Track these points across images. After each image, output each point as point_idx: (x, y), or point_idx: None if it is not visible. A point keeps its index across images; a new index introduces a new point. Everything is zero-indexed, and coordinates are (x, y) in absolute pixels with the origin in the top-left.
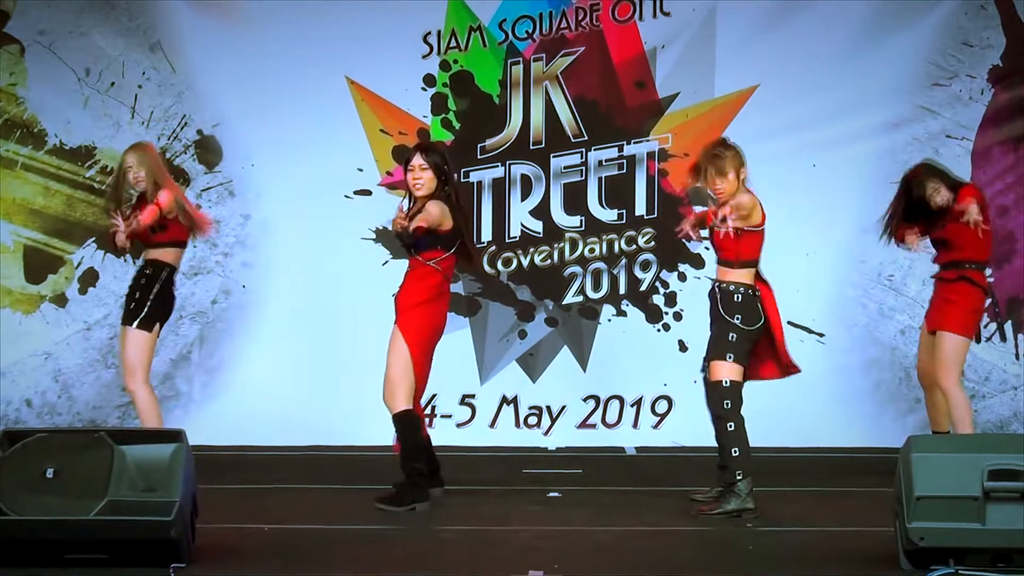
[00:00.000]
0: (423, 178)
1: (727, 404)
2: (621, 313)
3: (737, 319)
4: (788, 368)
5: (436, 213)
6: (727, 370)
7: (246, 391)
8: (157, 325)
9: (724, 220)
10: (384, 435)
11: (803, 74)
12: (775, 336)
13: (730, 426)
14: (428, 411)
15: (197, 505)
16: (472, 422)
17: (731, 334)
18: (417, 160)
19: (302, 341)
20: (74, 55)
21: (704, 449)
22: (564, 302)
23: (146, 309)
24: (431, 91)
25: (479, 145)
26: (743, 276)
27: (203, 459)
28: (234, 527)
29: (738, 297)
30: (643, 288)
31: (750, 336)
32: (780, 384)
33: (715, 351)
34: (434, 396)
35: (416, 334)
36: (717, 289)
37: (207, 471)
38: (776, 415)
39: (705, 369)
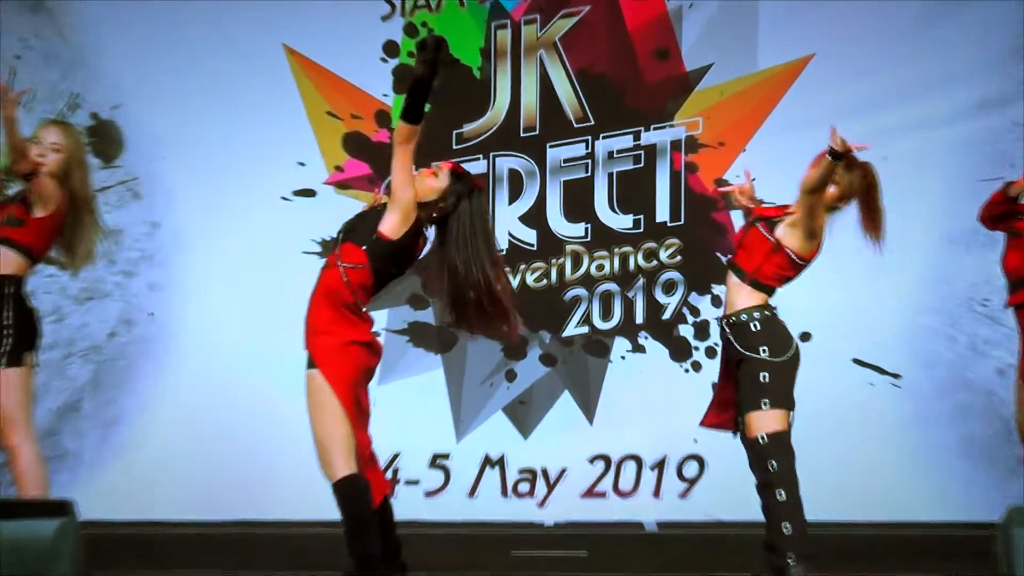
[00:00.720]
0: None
1: (772, 465)
2: (638, 348)
3: (764, 351)
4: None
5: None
6: (766, 420)
7: (152, 451)
8: (28, 355)
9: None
10: (329, 507)
11: (870, 41)
12: None
13: (780, 494)
14: (389, 475)
15: None
16: (446, 490)
17: (761, 374)
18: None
19: (225, 386)
20: None
21: (746, 525)
22: (565, 334)
23: (10, 339)
24: (393, 62)
25: (455, 132)
26: (753, 298)
27: (97, 538)
28: None
29: (755, 325)
30: (667, 316)
31: (786, 368)
32: (844, 441)
33: (746, 401)
34: (396, 456)
35: (338, 366)
36: (726, 326)
37: (102, 553)
38: (839, 481)
39: (741, 426)
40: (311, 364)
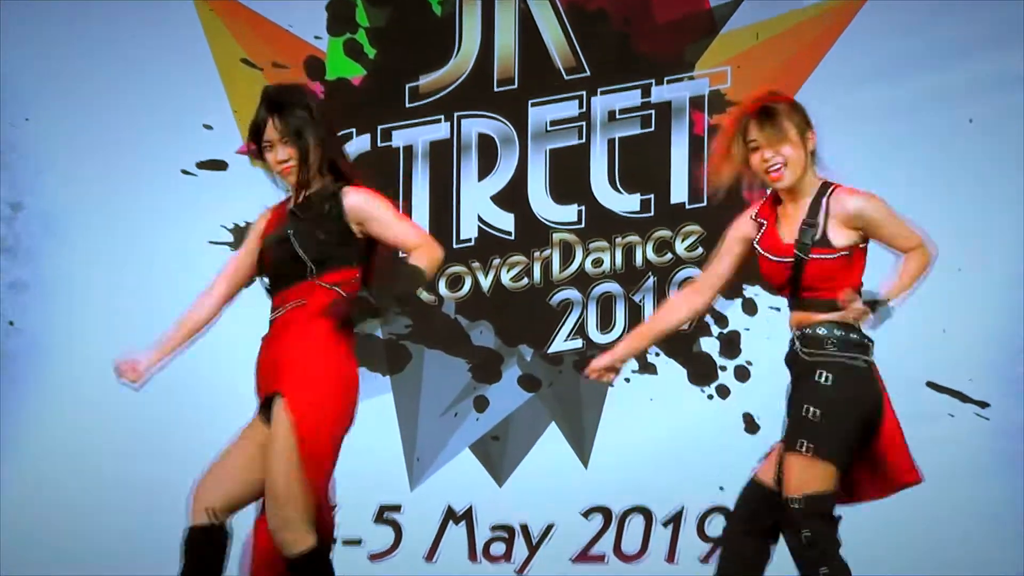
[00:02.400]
0: (292, 157)
1: (807, 536)
2: (647, 368)
3: (828, 380)
4: (902, 476)
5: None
6: (810, 475)
7: (19, 500)
8: None
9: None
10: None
11: None
12: (883, 427)
13: (823, 572)
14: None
15: None
16: (396, 552)
17: (812, 409)
18: (271, 129)
19: (107, 415)
20: None
21: None
22: (551, 350)
23: None
24: None
25: (408, 85)
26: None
27: None
28: None
29: (833, 345)
30: (685, 326)
31: (855, 416)
32: (919, 488)
33: (790, 436)
34: (333, 509)
35: (321, 412)
36: (799, 339)
37: None
38: (907, 534)
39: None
40: (275, 388)
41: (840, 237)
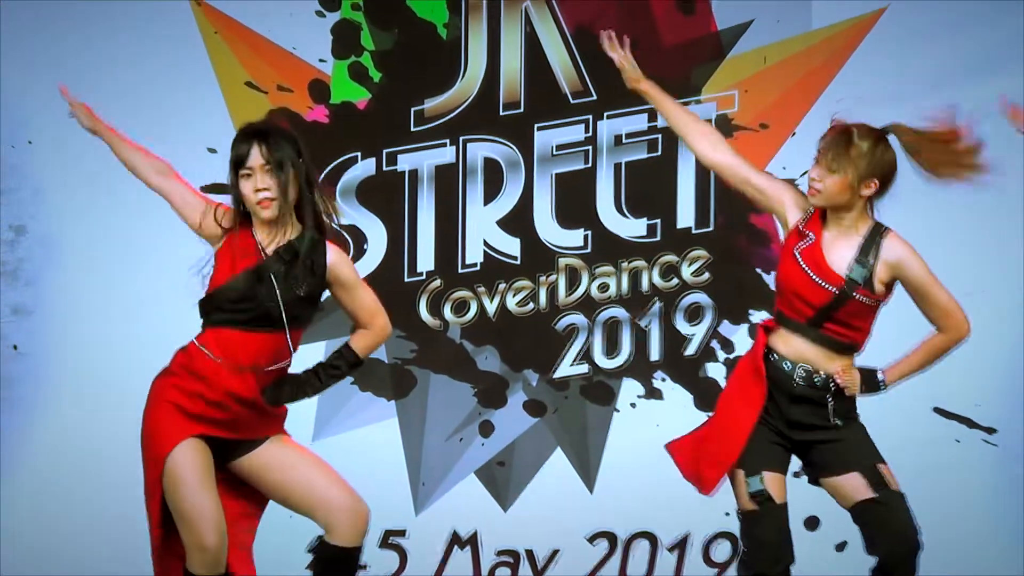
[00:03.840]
0: (271, 188)
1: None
2: (653, 393)
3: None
4: None
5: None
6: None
7: (17, 516)
8: None
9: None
10: None
11: None
12: None
13: None
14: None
15: None
16: None
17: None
18: (256, 156)
19: (112, 439)
20: None
21: None
22: (557, 375)
23: None
24: (333, 17)
25: (414, 109)
26: None
27: None
28: None
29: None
30: (691, 351)
31: None
32: (921, 511)
33: (871, 448)
34: None
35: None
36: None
37: None
38: (923, 562)
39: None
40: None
41: (881, 284)
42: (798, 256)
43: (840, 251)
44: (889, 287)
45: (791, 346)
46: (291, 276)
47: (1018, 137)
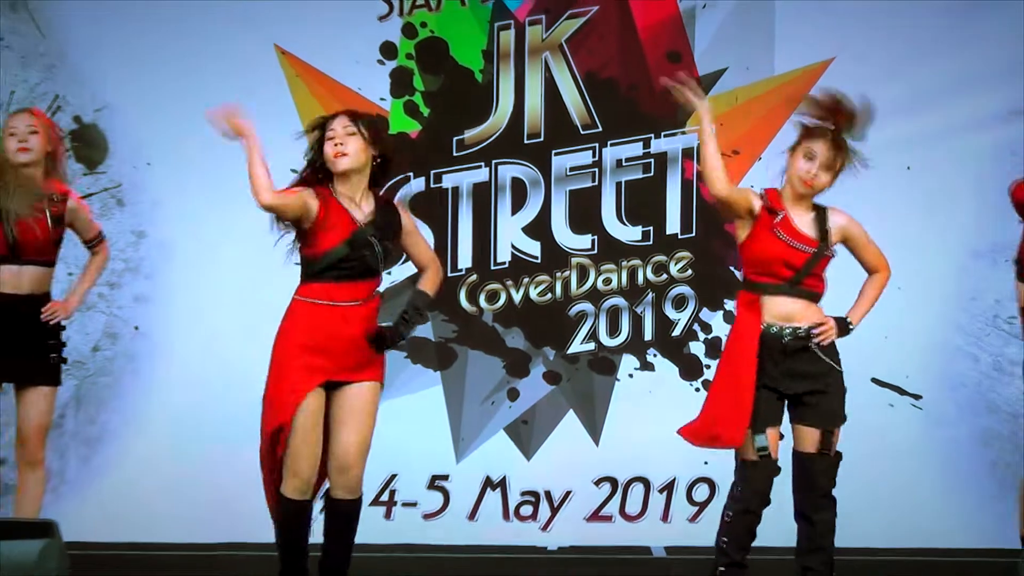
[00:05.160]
0: (351, 147)
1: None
2: (647, 366)
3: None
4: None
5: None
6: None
7: (138, 469)
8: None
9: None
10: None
11: (892, 43)
12: None
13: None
14: (386, 497)
15: None
16: (444, 513)
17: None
18: (342, 123)
19: (215, 402)
20: None
21: (759, 550)
22: (570, 351)
23: (56, 356)
24: (391, 65)
25: (455, 138)
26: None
27: (80, 560)
28: None
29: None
30: (677, 333)
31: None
32: (861, 466)
33: (838, 414)
34: (393, 478)
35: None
36: (788, 340)
37: (87, 574)
38: (856, 507)
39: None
40: (368, 379)
41: (833, 244)
42: (778, 231)
43: (803, 222)
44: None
45: (775, 307)
46: (384, 235)
47: (944, 160)
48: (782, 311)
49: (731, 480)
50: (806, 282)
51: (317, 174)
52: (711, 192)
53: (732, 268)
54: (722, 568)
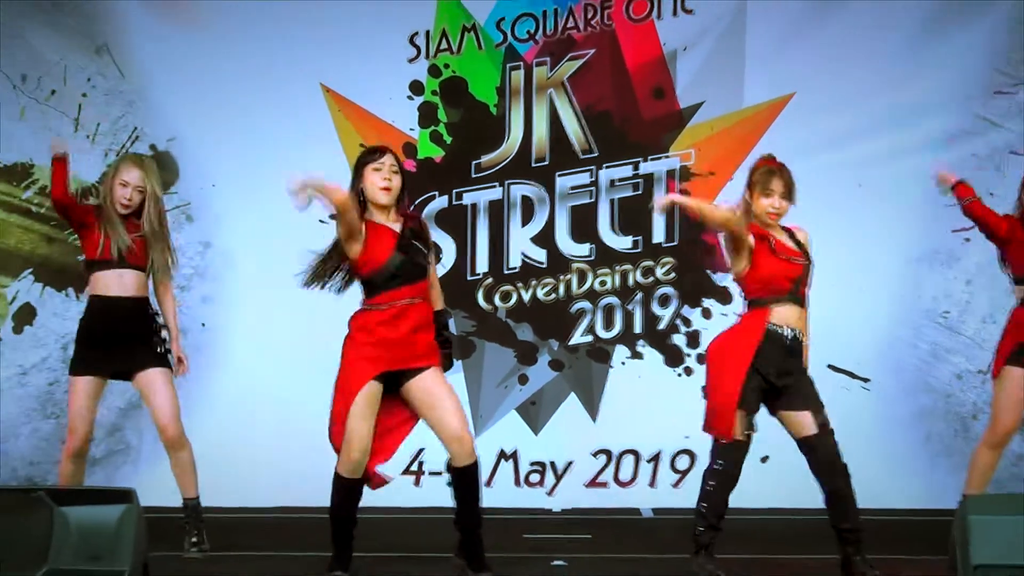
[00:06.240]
0: (394, 183)
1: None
2: (636, 355)
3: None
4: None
5: None
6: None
7: (206, 444)
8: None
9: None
10: (374, 493)
11: (845, 81)
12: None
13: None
14: (415, 467)
15: (149, 575)
16: None
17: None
18: (390, 160)
19: (272, 387)
20: (7, 59)
21: (736, 512)
22: (571, 343)
23: (166, 344)
24: (419, 100)
25: (474, 162)
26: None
27: (156, 522)
28: None
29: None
30: (662, 327)
31: None
32: None
33: (818, 397)
34: (421, 451)
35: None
36: (793, 340)
37: (160, 536)
38: (806, 471)
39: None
40: (429, 364)
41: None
42: (776, 251)
43: (784, 241)
44: None
45: (782, 315)
46: (421, 243)
47: (891, 180)
48: (785, 317)
49: (708, 453)
50: (800, 291)
51: (358, 197)
52: (719, 224)
53: (709, 272)
54: (701, 529)
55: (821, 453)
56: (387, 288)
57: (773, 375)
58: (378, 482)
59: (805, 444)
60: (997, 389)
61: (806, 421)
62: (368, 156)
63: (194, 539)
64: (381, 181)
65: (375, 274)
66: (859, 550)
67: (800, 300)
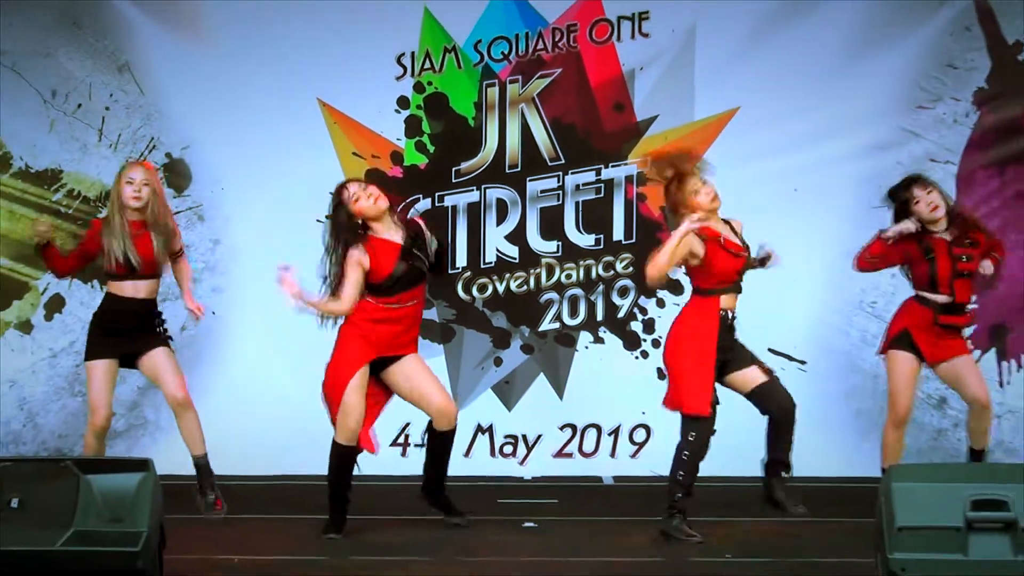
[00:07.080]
0: (382, 195)
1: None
2: (598, 340)
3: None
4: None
5: None
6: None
7: (216, 419)
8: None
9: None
10: (364, 463)
11: (784, 96)
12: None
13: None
14: (401, 440)
15: (165, 536)
16: None
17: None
18: (362, 184)
19: (274, 369)
20: (40, 76)
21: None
22: (540, 329)
23: (166, 327)
24: (405, 113)
25: (454, 169)
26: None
27: (171, 488)
28: (202, 558)
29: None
30: (621, 315)
31: None
32: (757, 413)
33: (757, 358)
34: (407, 425)
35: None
36: (733, 320)
37: (175, 501)
38: (753, 444)
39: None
40: (412, 351)
41: None
42: (727, 249)
43: (729, 237)
44: None
45: (726, 301)
46: (422, 248)
47: (824, 184)
48: (728, 302)
49: (662, 426)
50: (740, 279)
51: (357, 229)
52: (655, 272)
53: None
54: (679, 495)
55: (778, 390)
56: (392, 293)
57: (720, 352)
58: (366, 446)
59: (759, 391)
60: (889, 373)
61: (754, 373)
62: (342, 193)
63: (210, 498)
64: (368, 200)
65: (382, 282)
66: (783, 484)
67: (739, 286)
